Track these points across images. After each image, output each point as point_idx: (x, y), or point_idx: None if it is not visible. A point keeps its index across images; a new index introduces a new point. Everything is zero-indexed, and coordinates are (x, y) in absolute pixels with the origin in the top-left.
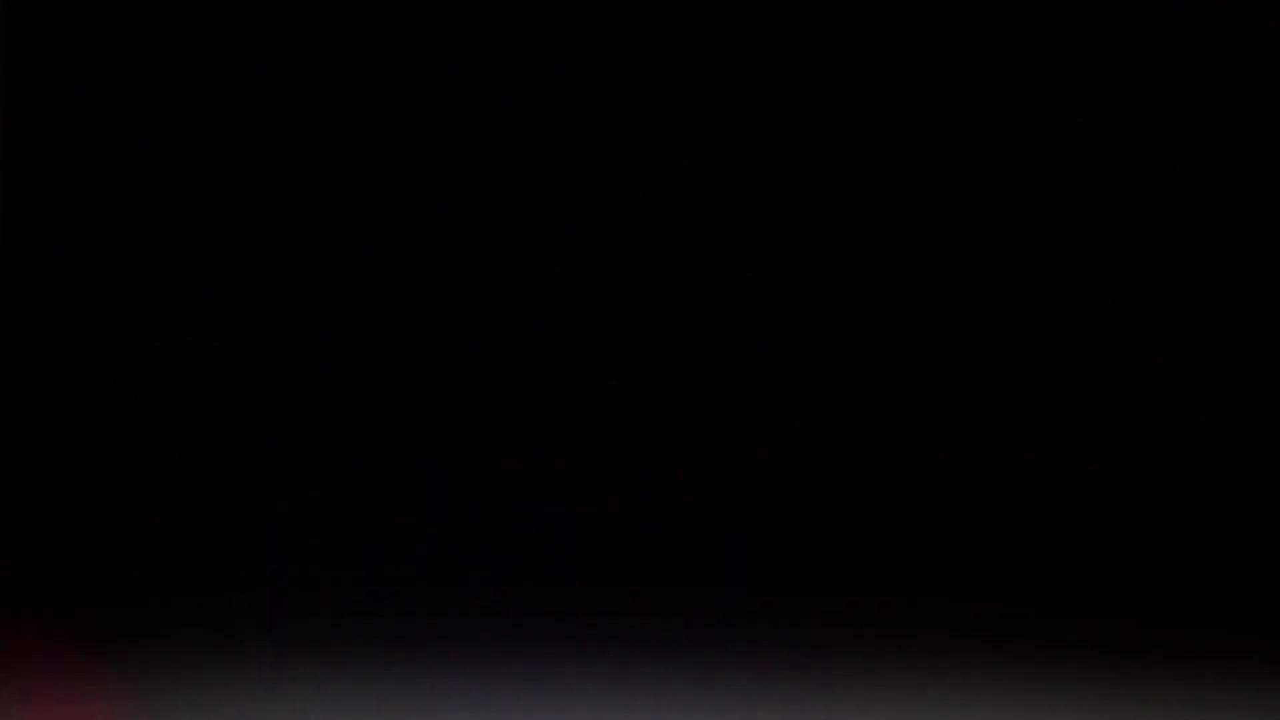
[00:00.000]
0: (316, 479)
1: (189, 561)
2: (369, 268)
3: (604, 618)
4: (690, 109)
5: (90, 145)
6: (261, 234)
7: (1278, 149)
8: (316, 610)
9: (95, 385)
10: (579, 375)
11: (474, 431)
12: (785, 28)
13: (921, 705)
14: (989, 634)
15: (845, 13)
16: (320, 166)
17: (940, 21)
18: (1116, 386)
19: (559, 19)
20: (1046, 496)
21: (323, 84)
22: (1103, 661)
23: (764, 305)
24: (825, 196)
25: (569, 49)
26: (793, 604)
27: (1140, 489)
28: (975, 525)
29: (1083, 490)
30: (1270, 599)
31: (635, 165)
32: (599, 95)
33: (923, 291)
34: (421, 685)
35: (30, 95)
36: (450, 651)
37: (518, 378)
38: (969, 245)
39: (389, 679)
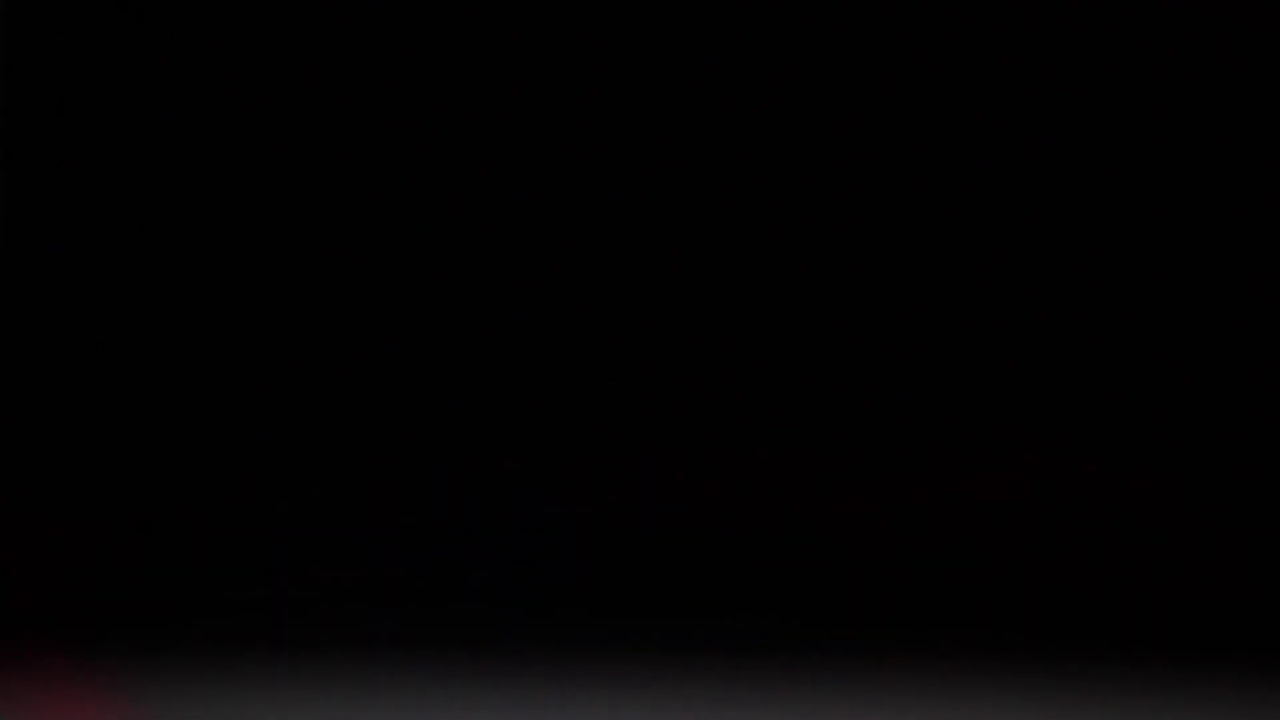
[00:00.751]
0: (316, 479)
1: (189, 562)
2: (369, 268)
3: (604, 618)
4: (690, 109)
5: (90, 145)
6: (261, 234)
7: (1278, 149)
8: (316, 610)
9: (95, 385)
10: (579, 375)
11: (474, 431)
12: (785, 28)
13: (921, 705)
14: (989, 634)
15: (845, 13)
16: (320, 166)
17: (940, 21)
18: (1116, 386)
19: (559, 19)
20: (1046, 496)
21: (323, 84)
22: (1103, 661)
23: (764, 305)
24: (825, 196)
25: (569, 49)
26: (792, 604)
27: (1140, 489)
28: (975, 525)
29: (1083, 490)
30: (1270, 599)
31: (635, 165)
32: (599, 95)
33: (923, 291)
34: (421, 685)
35: (30, 95)
36: (450, 651)
37: (518, 378)
38: (969, 245)
39: (389, 679)
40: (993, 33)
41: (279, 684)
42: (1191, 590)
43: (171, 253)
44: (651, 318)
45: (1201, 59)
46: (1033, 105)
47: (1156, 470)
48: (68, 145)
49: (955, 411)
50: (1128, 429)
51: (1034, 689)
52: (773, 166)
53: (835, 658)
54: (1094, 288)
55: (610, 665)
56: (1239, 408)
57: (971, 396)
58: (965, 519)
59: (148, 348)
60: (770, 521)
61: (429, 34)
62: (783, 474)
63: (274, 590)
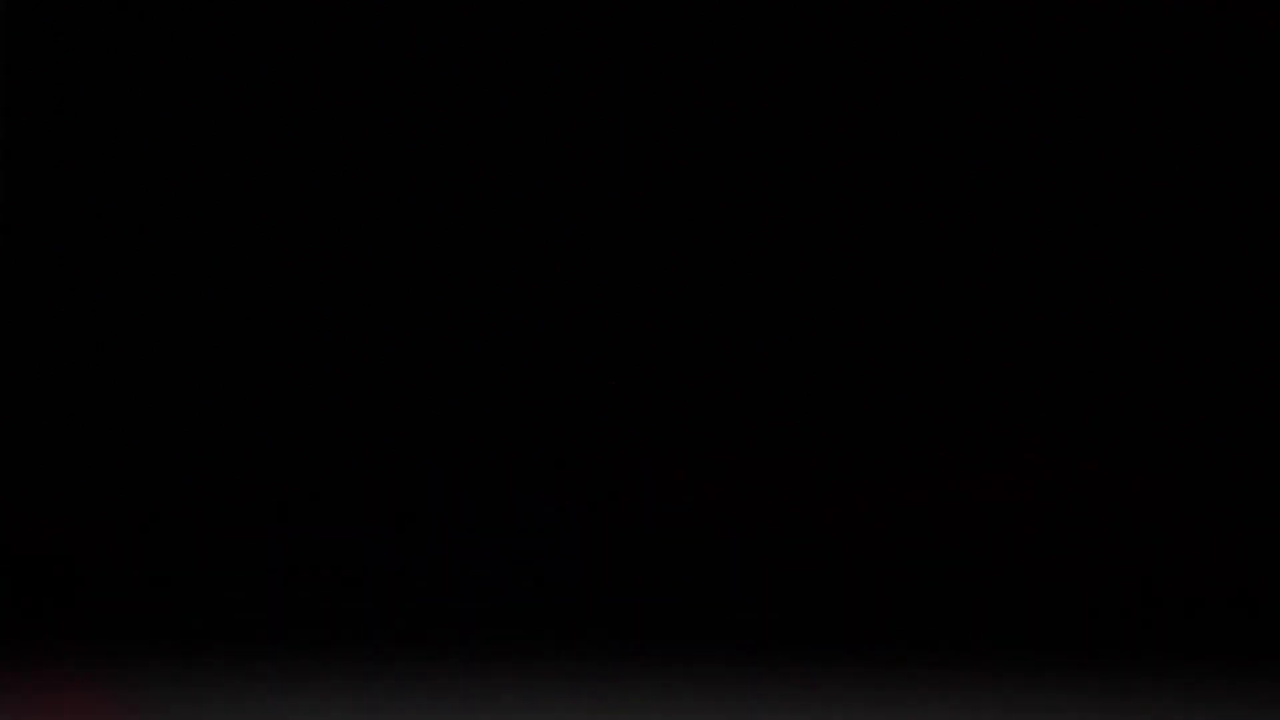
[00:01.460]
0: (317, 479)
1: (189, 562)
2: (369, 268)
3: (603, 618)
4: (690, 109)
5: (90, 145)
6: (261, 234)
7: (1278, 149)
8: (316, 610)
9: (95, 385)
10: (579, 375)
11: (474, 432)
12: (784, 28)
13: (921, 705)
14: (989, 634)
15: (845, 13)
16: (320, 166)
17: (940, 21)
18: (1116, 386)
19: (559, 19)
20: (1046, 496)
21: (323, 84)
22: (1103, 661)
23: (764, 305)
24: (825, 196)
25: (569, 49)
26: (792, 603)
27: (1140, 489)
28: (975, 525)
29: (1083, 490)
30: (1270, 599)
31: (635, 165)
32: (599, 95)
33: (923, 291)
34: (421, 685)
35: (30, 95)
36: (450, 651)
37: (518, 378)
38: (969, 245)
39: (389, 679)
40: (993, 33)
41: (279, 684)
42: (1191, 590)
43: (171, 253)
44: (651, 318)
45: (1201, 59)
46: (1033, 105)
47: (1156, 470)
48: (68, 145)
49: (955, 411)
50: (1128, 429)
51: (1034, 689)
52: (772, 168)
53: (835, 657)
54: (1094, 288)
55: (610, 665)
56: (1239, 408)
57: (971, 396)
58: (965, 519)
59: (148, 348)
60: (770, 521)
61: (429, 34)
62: (783, 474)
63: (274, 590)
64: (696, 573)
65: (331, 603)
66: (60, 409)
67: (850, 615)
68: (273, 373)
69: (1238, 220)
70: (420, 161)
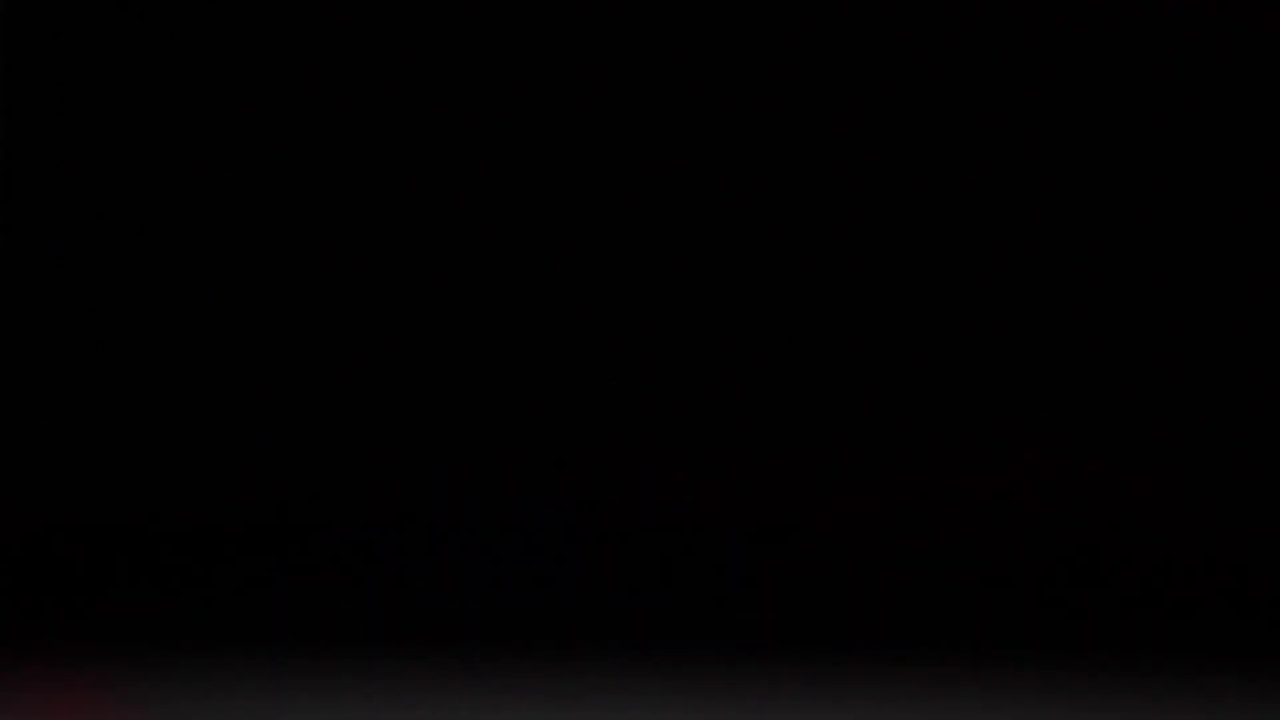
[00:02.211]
0: (317, 479)
1: (189, 562)
2: (368, 268)
3: (604, 618)
4: (690, 109)
5: (90, 145)
6: (261, 234)
7: (1278, 149)
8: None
9: (95, 385)
10: (578, 375)
11: (474, 431)
12: (784, 27)
13: (921, 705)
14: (989, 634)
15: (845, 13)
16: (320, 166)
17: (940, 21)
18: (1116, 386)
19: (559, 19)
20: (1046, 496)
21: (323, 84)
22: (1103, 661)
23: (763, 305)
24: (824, 197)
25: (569, 49)
26: (792, 604)
27: (1140, 489)
28: (975, 525)
29: (1083, 490)
30: (1270, 599)
31: (635, 165)
32: (599, 95)
33: (923, 291)
34: (421, 685)
35: (30, 95)
36: (450, 651)
37: (518, 378)
38: (969, 245)
39: (389, 679)
40: (993, 33)
41: (279, 684)
42: (1192, 590)
43: (171, 253)
44: (651, 318)
45: (1202, 59)
46: (1033, 105)
47: (1156, 470)
48: (68, 145)
49: (955, 411)
50: (1128, 429)
51: (1034, 688)
52: (772, 167)
53: (835, 657)
54: (1094, 288)
55: (609, 665)
56: (1239, 408)
57: (971, 396)
58: (965, 519)
59: (148, 348)
60: (770, 521)
61: (429, 34)
62: (783, 474)
63: (274, 590)
64: (696, 573)
65: (332, 603)
66: (60, 409)
67: (850, 615)
68: (273, 373)
69: (1238, 220)
70: (420, 161)
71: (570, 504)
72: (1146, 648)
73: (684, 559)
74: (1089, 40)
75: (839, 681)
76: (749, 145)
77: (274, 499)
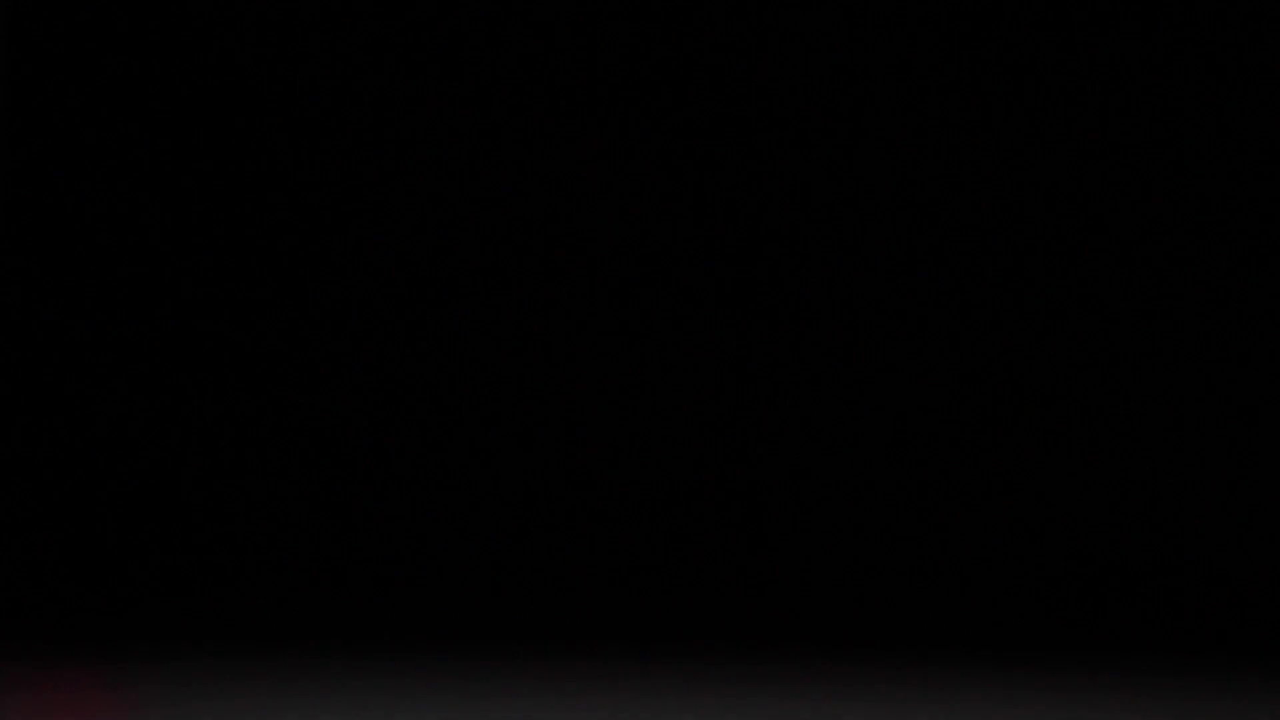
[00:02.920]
0: (317, 479)
1: (189, 562)
2: (368, 267)
3: (601, 615)
4: (689, 109)
5: (90, 145)
6: (262, 234)
7: (1278, 149)
8: (316, 610)
9: (95, 386)
10: (578, 375)
11: (473, 431)
12: (783, 27)
13: (921, 705)
14: (989, 634)
15: (845, 12)
16: (321, 166)
17: (940, 21)
18: (1116, 386)
19: (559, 19)
20: (1046, 496)
21: (322, 84)
22: (1104, 661)
23: (763, 305)
24: (824, 196)
25: (568, 49)
26: (791, 604)
27: (1140, 489)
28: (975, 525)
29: (1083, 490)
30: (1270, 599)
31: (635, 165)
32: (599, 95)
33: (923, 291)
34: (421, 685)
35: (30, 95)
36: (449, 651)
37: (518, 377)
38: (969, 245)
39: (389, 679)
40: (992, 32)
41: (279, 684)
42: (1192, 590)
43: (171, 252)
44: (651, 317)
45: (1201, 59)
46: (1033, 105)
47: (1156, 470)
48: (68, 145)
49: (955, 411)
50: (1128, 429)
51: (1034, 688)
52: (772, 167)
53: (835, 658)
54: (1094, 288)
55: (609, 664)
56: (1239, 407)
57: (971, 396)
58: (965, 519)
59: (148, 347)
60: (770, 521)
61: (429, 34)
62: (783, 473)
63: (274, 590)
64: (695, 571)
65: (332, 603)
66: (60, 409)
67: (850, 615)
68: (273, 372)
69: (1238, 220)
70: (420, 161)
71: (570, 502)
72: (1147, 647)
73: (682, 557)
74: (1089, 40)
75: (839, 682)
76: (748, 145)
77: (274, 499)
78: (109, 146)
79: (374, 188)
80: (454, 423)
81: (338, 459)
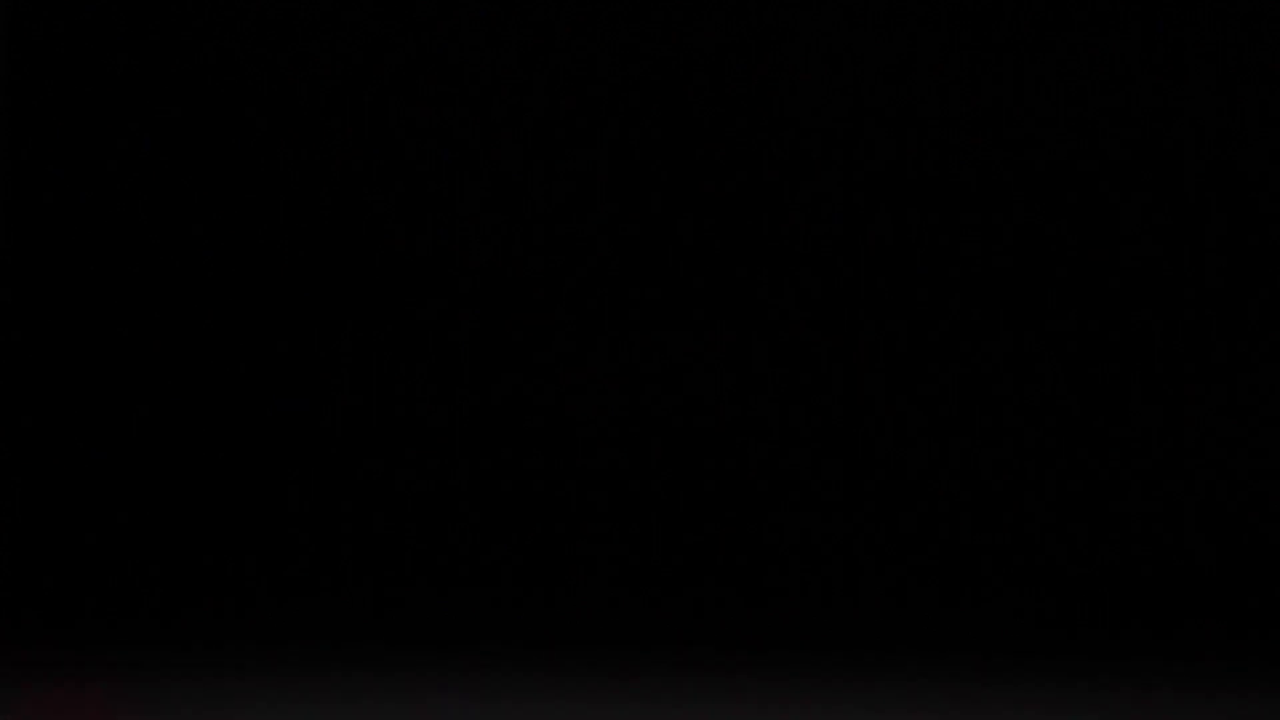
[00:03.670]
0: (317, 478)
1: (188, 562)
2: (368, 267)
3: (601, 613)
4: (689, 108)
5: (90, 145)
6: (262, 234)
7: (1278, 149)
8: (316, 611)
9: (97, 385)
10: (578, 375)
11: (474, 431)
12: (783, 27)
13: (921, 705)
14: (989, 634)
15: (845, 12)
16: (320, 166)
17: (940, 21)
18: (1115, 386)
19: (559, 19)
20: (1046, 496)
21: (322, 84)
22: (1103, 661)
23: (763, 305)
24: (824, 196)
25: (569, 49)
26: (790, 604)
27: (1140, 489)
28: (975, 525)
29: (1082, 490)
30: (1270, 599)
31: (635, 165)
32: (598, 95)
33: (923, 291)
34: (421, 686)
35: (30, 95)
36: (449, 652)
37: (517, 377)
38: (968, 245)
39: (389, 679)
40: (993, 32)
41: (279, 684)
42: (1192, 590)
43: (171, 252)
44: (650, 317)
45: (1201, 59)
46: (1033, 105)
47: (1156, 470)
48: (68, 145)
49: (955, 411)
50: (1127, 429)
51: (1034, 688)
52: (772, 167)
53: (834, 658)
54: (1094, 288)
55: (608, 664)
56: (1239, 407)
57: (971, 396)
58: (965, 519)
59: (149, 347)
60: (770, 520)
61: (429, 35)
62: (783, 473)
63: (273, 590)
64: (693, 569)
65: (332, 603)
66: (60, 408)
67: (849, 615)
68: (273, 372)
69: (1238, 220)
70: (420, 161)
71: (569, 499)
72: (1147, 647)
73: (681, 556)
74: (1089, 40)
75: (838, 682)
76: (748, 145)
77: (273, 499)
78: (109, 146)
79: (374, 188)
80: (454, 423)
81: (338, 459)
